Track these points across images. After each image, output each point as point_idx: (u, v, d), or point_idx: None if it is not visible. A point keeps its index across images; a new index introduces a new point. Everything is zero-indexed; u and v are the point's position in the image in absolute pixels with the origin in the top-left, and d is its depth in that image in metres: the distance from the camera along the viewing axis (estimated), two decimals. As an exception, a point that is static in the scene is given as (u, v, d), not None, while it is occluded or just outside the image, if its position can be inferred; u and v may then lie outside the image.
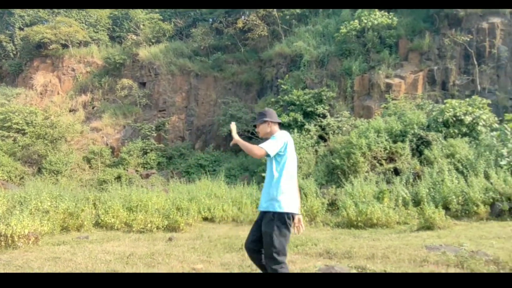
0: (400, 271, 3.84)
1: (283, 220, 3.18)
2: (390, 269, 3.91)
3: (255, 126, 3.72)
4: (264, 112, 3.67)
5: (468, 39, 16.86)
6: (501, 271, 3.69)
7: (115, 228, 8.20)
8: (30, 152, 18.39)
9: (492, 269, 3.78)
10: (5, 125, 19.59)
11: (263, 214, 3.34)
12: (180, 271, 4.07)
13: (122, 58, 26.11)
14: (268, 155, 3.31)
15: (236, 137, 3.48)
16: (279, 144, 3.34)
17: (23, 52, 27.87)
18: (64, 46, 27.24)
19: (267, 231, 3.17)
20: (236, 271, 4.12)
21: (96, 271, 4.13)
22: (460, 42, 17.00)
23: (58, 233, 7.50)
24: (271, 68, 21.69)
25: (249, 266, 4.20)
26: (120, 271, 4.11)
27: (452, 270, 3.82)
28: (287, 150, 3.39)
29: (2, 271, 4.25)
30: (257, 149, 3.26)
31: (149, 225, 8.01)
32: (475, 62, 16.74)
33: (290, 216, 3.23)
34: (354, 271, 3.86)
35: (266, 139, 3.51)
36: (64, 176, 17.57)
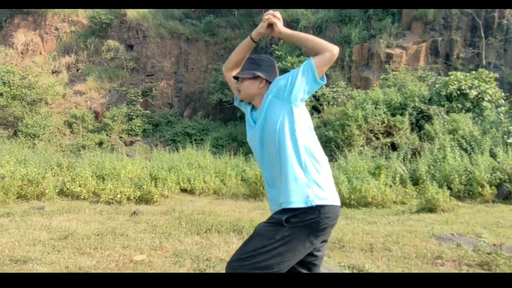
0: (408, 272, 3.07)
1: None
2: (396, 270, 3.11)
3: (236, 78, 2.17)
4: (259, 61, 2.13)
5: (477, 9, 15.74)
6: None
7: (82, 197, 7.36)
8: (6, 114, 17.27)
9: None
10: (-19, 84, 18.33)
11: None
12: (113, 265, 3.26)
13: (108, 18, 24.53)
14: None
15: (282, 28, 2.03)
16: None
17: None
18: (46, 2, 25.47)
19: None
20: (187, 264, 3.29)
21: (3, 259, 3.29)
22: (467, 12, 15.87)
23: (12, 201, 6.64)
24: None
25: (207, 259, 3.40)
26: (33, 260, 3.29)
27: (477, 271, 3.04)
28: None
29: None
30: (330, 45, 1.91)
31: (118, 195, 7.17)
32: (482, 34, 15.69)
33: None
34: (347, 271, 3.06)
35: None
36: (42, 140, 16.57)
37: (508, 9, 15.81)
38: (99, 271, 3.07)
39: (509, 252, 3.42)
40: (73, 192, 7.48)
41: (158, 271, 3.10)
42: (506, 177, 7.21)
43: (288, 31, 2.05)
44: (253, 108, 2.15)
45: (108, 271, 3.08)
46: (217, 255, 3.51)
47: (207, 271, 3.11)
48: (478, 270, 3.10)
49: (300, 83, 1.90)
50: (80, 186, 7.60)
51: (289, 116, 1.91)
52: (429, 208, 6.00)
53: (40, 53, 25.84)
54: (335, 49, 1.91)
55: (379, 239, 3.92)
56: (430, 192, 6.13)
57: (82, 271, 3.03)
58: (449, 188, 7.35)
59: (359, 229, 4.42)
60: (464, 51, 16.16)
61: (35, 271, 3.03)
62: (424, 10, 16.46)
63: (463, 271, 3.05)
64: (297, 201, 1.82)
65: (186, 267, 3.23)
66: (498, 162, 7.68)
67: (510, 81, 15.29)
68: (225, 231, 4.39)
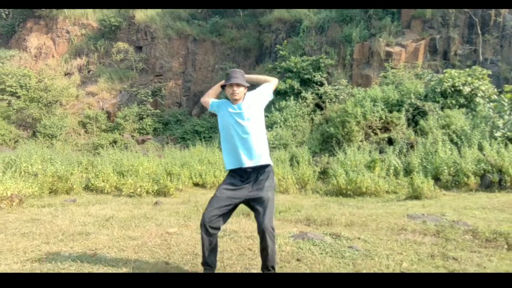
0: (375, 239, 3.85)
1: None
2: (365, 236, 3.90)
3: (233, 85, 3.10)
4: (243, 74, 3.20)
5: (474, 7, 16.27)
6: (476, 241, 3.68)
7: (105, 192, 8.21)
8: (25, 116, 18.23)
9: (468, 238, 3.77)
10: (-1, 87, 19.33)
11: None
12: (154, 235, 4.09)
13: (118, 21, 25.38)
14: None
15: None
16: None
17: (15, 12, 27.01)
18: (58, 6, 26.34)
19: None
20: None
21: (70, 232, 4.15)
22: (465, 10, 16.42)
23: (46, 195, 7.51)
24: (270, 34, 21.15)
25: (223, 231, 4.22)
26: (93, 233, 4.14)
27: (428, 239, 3.81)
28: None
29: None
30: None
31: (138, 189, 8.01)
32: (479, 31, 16.25)
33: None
34: (327, 238, 3.85)
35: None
36: (59, 140, 17.50)
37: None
38: (145, 239, 3.90)
39: (463, 226, 4.16)
40: (97, 187, 8.33)
41: (188, 238, 3.93)
42: (490, 168, 7.90)
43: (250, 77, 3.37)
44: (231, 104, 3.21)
45: (151, 239, 3.90)
46: (231, 229, 4.48)
47: (224, 238, 3.95)
48: (430, 237, 3.86)
49: (267, 101, 3.30)
50: (103, 181, 8.44)
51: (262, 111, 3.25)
52: (415, 196, 6.74)
53: (53, 56, 26.79)
54: (276, 80, 3.41)
55: (360, 218, 4.69)
56: (416, 182, 6.87)
57: (133, 239, 3.86)
58: (438, 179, 8.08)
59: (347, 212, 5.19)
60: (462, 48, 16.73)
61: (99, 240, 3.86)
62: (423, 9, 17.02)
63: (418, 238, 3.81)
64: (269, 161, 3.13)
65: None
66: (484, 155, 8.36)
67: (506, 77, 15.84)
68: (236, 215, 5.20)
